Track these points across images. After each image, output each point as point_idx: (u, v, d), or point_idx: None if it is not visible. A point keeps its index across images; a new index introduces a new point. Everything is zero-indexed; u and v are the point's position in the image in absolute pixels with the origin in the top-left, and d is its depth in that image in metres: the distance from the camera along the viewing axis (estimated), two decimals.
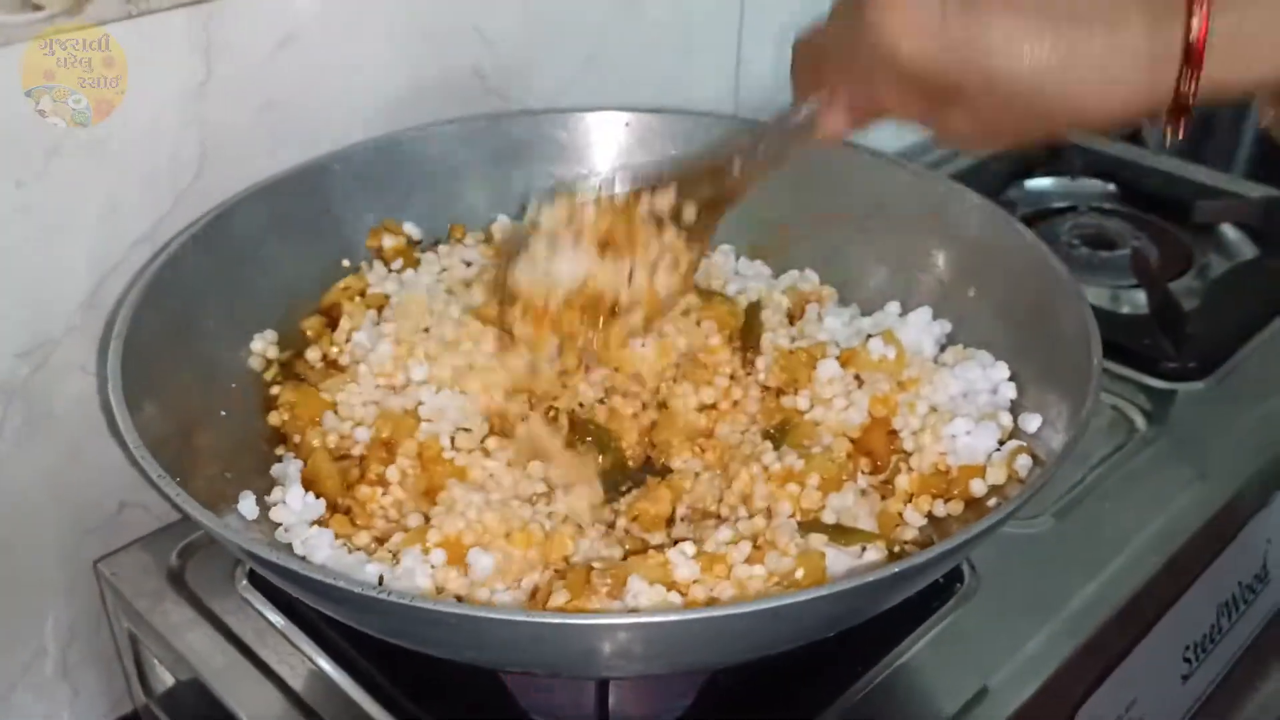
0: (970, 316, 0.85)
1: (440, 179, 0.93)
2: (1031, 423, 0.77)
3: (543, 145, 0.95)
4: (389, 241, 0.91)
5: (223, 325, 0.79)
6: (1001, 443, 0.77)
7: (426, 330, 0.81)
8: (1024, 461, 0.75)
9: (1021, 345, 0.81)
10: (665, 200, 0.72)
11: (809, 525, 0.71)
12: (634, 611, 0.62)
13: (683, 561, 0.65)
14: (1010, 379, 0.81)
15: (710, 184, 0.72)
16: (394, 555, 0.69)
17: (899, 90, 0.58)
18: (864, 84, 0.60)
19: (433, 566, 0.67)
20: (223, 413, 0.77)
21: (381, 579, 0.67)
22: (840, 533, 0.70)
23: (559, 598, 0.65)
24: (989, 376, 0.81)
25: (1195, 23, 0.51)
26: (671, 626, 0.56)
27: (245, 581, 0.79)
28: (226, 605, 0.78)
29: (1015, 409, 0.80)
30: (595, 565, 0.66)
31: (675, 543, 0.68)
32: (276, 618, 0.77)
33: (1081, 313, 0.74)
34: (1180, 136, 0.55)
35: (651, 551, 0.67)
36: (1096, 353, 0.71)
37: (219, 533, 0.60)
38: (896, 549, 0.71)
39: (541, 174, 0.96)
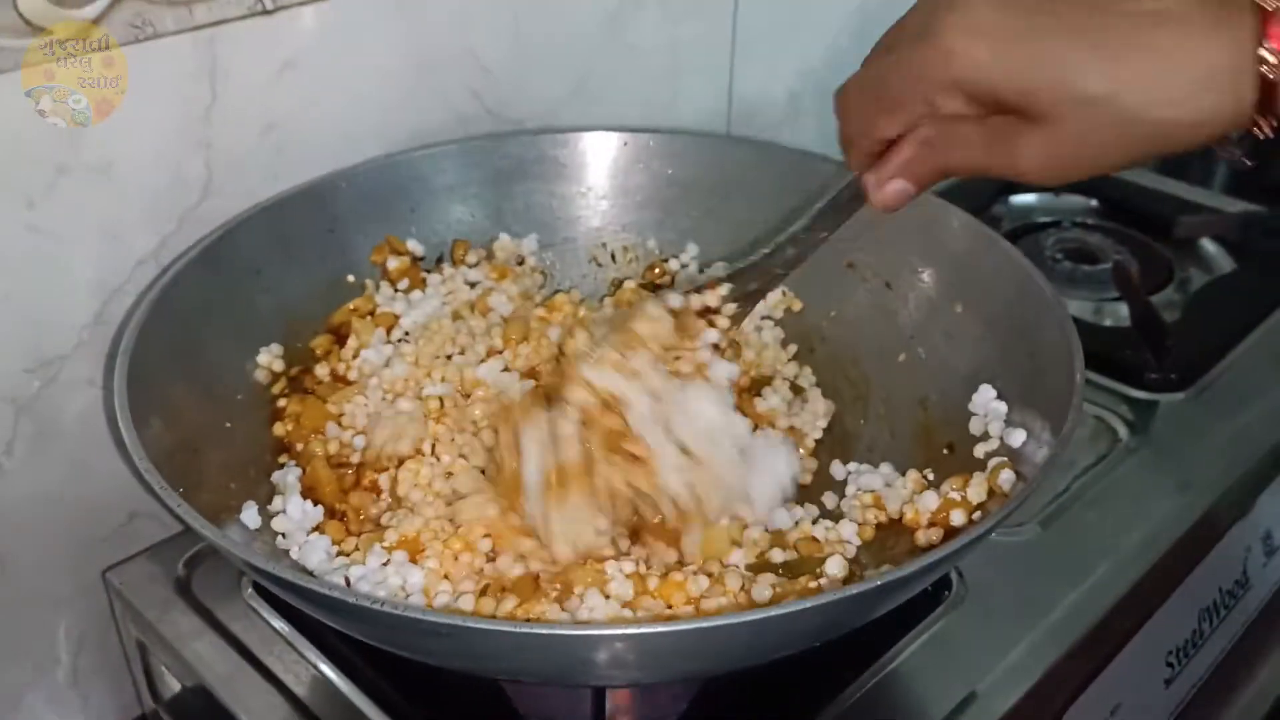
0: (958, 332, 0.85)
1: (442, 197, 0.94)
2: (1016, 438, 0.77)
3: (542, 164, 0.96)
4: (393, 262, 0.91)
5: (228, 340, 0.79)
6: (988, 457, 0.77)
7: (449, 358, 0.83)
8: (1007, 476, 0.74)
9: (1007, 360, 0.81)
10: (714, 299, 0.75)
11: (758, 567, 0.70)
12: (626, 623, 0.63)
13: (618, 577, 0.66)
14: (998, 396, 0.80)
15: (758, 279, 0.76)
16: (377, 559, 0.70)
17: (964, 124, 0.54)
18: (924, 114, 0.56)
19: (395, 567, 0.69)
20: (228, 424, 0.77)
21: (348, 581, 0.67)
22: (790, 568, 0.70)
23: (508, 604, 0.65)
24: (977, 404, 0.81)
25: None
26: (662, 637, 0.56)
27: (250, 590, 0.79)
28: (232, 613, 0.78)
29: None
30: (541, 571, 0.67)
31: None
32: (281, 625, 0.77)
33: (1065, 331, 0.74)
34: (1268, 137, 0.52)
35: (591, 563, 0.68)
36: (1079, 371, 0.71)
37: (217, 542, 0.60)
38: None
39: (541, 191, 0.97)
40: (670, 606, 0.66)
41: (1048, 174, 0.54)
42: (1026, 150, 0.53)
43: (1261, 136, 0.51)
